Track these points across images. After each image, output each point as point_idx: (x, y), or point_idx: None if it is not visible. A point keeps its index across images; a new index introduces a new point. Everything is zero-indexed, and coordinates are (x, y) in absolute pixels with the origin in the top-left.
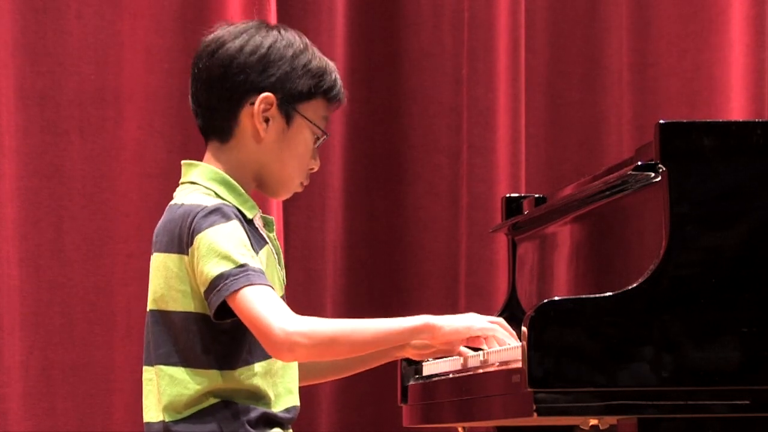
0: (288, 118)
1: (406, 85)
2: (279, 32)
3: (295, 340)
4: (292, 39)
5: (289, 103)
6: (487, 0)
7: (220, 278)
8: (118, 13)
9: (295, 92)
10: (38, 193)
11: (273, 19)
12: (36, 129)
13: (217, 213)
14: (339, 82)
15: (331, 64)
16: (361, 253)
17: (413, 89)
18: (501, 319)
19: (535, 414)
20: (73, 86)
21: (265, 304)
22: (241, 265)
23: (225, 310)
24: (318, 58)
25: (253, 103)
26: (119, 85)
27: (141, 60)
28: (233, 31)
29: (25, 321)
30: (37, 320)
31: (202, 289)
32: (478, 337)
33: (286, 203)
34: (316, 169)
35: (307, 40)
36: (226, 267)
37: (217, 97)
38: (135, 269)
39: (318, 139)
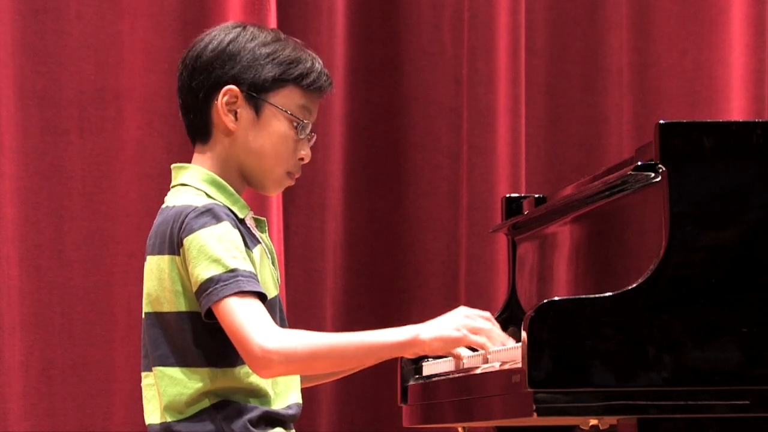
0: (257, 109)
1: (406, 85)
2: (244, 28)
3: (271, 358)
4: (257, 33)
5: (255, 93)
6: (487, 0)
7: (210, 282)
8: (118, 13)
9: (260, 81)
10: (38, 193)
11: (273, 19)
12: (36, 129)
13: (208, 214)
14: (317, 69)
15: (309, 55)
16: (361, 253)
17: (413, 89)
18: (487, 313)
19: (534, 414)
20: (73, 86)
21: (246, 318)
22: (232, 270)
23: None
24: (290, 49)
25: (218, 98)
26: (119, 85)
27: (141, 60)
28: (205, 34)
29: (25, 321)
30: (37, 320)
31: (194, 290)
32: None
33: (286, 203)
34: (306, 160)
35: (283, 35)
36: (216, 271)
37: (190, 98)
38: (135, 269)
39: (298, 127)
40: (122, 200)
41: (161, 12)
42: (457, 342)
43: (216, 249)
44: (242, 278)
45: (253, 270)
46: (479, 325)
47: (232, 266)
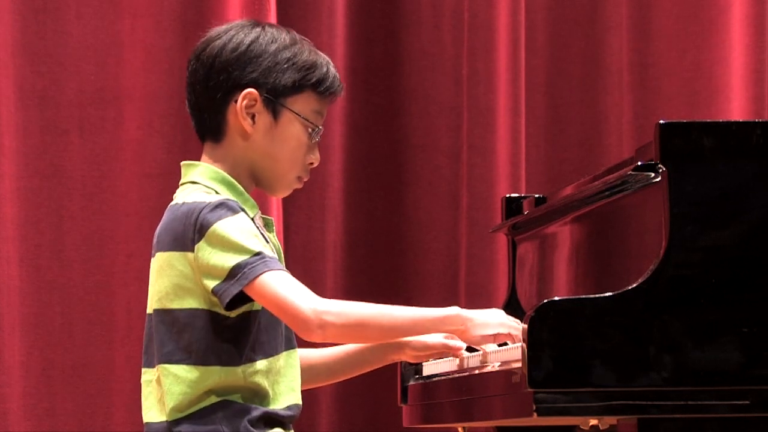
0: (275, 113)
1: (406, 85)
2: (263, 29)
3: (326, 319)
4: (276, 35)
5: (274, 98)
6: (487, 0)
7: (238, 268)
8: (118, 13)
9: (280, 86)
10: (38, 193)
11: (273, 19)
12: (36, 129)
13: (223, 207)
14: (332, 75)
15: (324, 58)
16: (361, 253)
17: (413, 89)
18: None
19: (534, 414)
20: (73, 86)
21: (290, 286)
22: (257, 253)
23: (236, 302)
24: (308, 52)
25: (237, 101)
26: (119, 85)
27: (141, 60)
28: (219, 30)
29: (25, 321)
30: (37, 320)
31: (217, 282)
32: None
33: (286, 203)
34: (315, 164)
35: (298, 36)
36: (242, 257)
37: (204, 98)
38: (135, 269)
39: (312, 132)
40: (122, 200)
41: (161, 12)
42: (497, 326)
43: (238, 237)
44: (269, 259)
45: (275, 255)
46: (514, 324)
47: (257, 250)
